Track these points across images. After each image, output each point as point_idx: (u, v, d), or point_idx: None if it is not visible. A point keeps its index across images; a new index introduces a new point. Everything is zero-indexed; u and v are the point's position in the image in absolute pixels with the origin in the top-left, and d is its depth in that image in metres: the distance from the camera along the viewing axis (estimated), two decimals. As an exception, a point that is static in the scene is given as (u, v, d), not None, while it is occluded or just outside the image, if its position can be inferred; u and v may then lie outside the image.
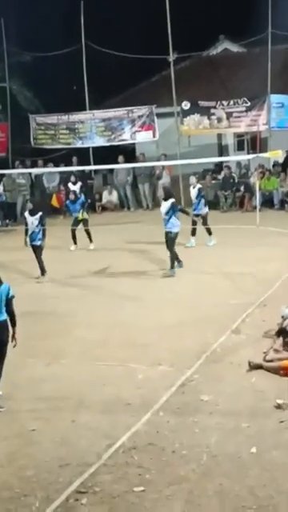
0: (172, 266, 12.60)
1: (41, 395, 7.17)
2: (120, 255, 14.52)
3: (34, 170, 22.28)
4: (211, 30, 26.15)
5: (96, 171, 23.64)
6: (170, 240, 12.74)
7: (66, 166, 21.82)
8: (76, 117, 23.29)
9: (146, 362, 7.90)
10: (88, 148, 23.23)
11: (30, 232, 12.65)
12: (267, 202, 20.35)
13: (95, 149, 23.24)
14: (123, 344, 8.64)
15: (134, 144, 23.80)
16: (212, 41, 26.70)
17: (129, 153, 23.87)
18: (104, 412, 6.63)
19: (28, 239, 12.70)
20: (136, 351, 8.31)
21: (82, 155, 23.01)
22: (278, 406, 6.46)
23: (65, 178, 20.64)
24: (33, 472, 5.58)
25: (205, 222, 15.12)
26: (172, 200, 13.00)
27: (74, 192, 15.65)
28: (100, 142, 23.07)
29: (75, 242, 15.38)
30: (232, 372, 7.50)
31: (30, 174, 22.31)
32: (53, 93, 23.90)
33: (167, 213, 12.82)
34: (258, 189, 18.54)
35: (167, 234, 12.84)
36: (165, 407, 6.64)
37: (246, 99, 21.15)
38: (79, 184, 16.78)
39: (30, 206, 13.27)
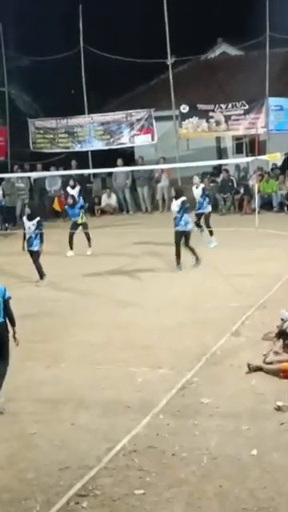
0: (178, 262, 13.07)
1: (41, 398, 7.17)
2: (119, 258, 14.53)
3: (33, 174, 22.32)
4: (209, 33, 26.24)
5: (95, 175, 23.67)
6: (186, 237, 13.14)
7: (64, 169, 21.85)
8: (75, 121, 23.35)
9: (145, 365, 7.89)
10: (87, 152, 23.28)
11: (27, 237, 12.63)
12: (266, 205, 20.41)
13: (94, 152, 23.31)
14: (123, 347, 8.64)
15: (132, 147, 23.87)
16: (210, 44, 26.78)
17: (128, 156, 23.94)
18: (104, 415, 6.63)
19: (26, 244, 12.67)
20: (136, 354, 8.31)
21: (81, 159, 23.07)
22: (278, 408, 6.46)
23: (65, 182, 20.68)
24: (33, 475, 5.58)
25: (207, 222, 15.19)
26: (183, 198, 13.28)
27: (72, 196, 15.59)
28: (99, 145, 23.13)
29: (71, 248, 15.21)
30: (232, 374, 7.50)
31: (28, 177, 22.33)
32: (52, 97, 23.96)
33: (179, 211, 13.10)
34: (256, 191, 18.59)
35: (178, 233, 13.12)
36: (165, 410, 6.64)
37: (244, 102, 21.22)
38: (78, 188, 16.81)
39: (27, 210, 13.26)
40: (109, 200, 22.58)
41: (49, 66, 23.26)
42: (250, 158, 20.17)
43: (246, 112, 21.24)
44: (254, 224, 16.58)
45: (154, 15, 21.91)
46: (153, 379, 7.49)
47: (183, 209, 13.11)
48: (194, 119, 21.86)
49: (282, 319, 8.25)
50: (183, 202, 13.16)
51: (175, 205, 13.27)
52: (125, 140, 22.83)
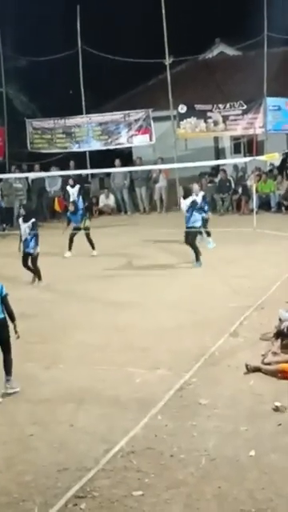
0: (197, 259, 13.18)
1: (39, 399, 7.16)
2: (117, 259, 14.53)
3: (31, 175, 22.29)
4: (207, 33, 26.27)
5: (93, 175, 23.66)
6: (192, 234, 13.34)
7: (61, 169, 21.83)
8: (73, 121, 23.34)
9: (144, 366, 7.88)
10: (85, 152, 23.26)
11: (23, 239, 12.59)
12: (264, 205, 20.41)
13: (92, 153, 23.31)
14: (121, 348, 8.64)
15: (130, 148, 23.86)
16: (208, 44, 26.79)
17: (125, 156, 23.94)
18: (102, 416, 6.62)
19: (22, 246, 12.62)
20: (134, 355, 8.31)
21: (79, 159, 23.05)
22: (277, 409, 6.46)
23: (65, 182, 20.67)
24: (31, 477, 5.57)
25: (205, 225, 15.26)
26: (192, 198, 13.55)
27: (74, 203, 15.44)
28: (97, 145, 23.13)
29: (70, 249, 15.16)
30: (230, 375, 7.50)
31: (26, 178, 22.31)
32: (49, 97, 23.94)
33: (188, 210, 13.35)
34: (254, 191, 18.60)
35: (188, 231, 13.36)
36: (163, 411, 6.63)
37: (242, 102, 21.24)
38: (77, 187, 16.75)
39: (22, 212, 13.24)
40: (107, 200, 22.58)
41: (46, 67, 23.26)
42: (248, 158, 20.19)
43: (244, 112, 21.25)
44: (252, 224, 16.61)
45: (152, 15, 21.92)
46: (151, 380, 7.48)
47: (192, 208, 13.35)
48: (192, 119, 21.87)
49: (280, 319, 8.26)
50: (193, 202, 13.43)
51: (184, 204, 13.52)
52: (123, 140, 22.82)
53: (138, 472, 5.53)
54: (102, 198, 22.66)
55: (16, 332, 7.41)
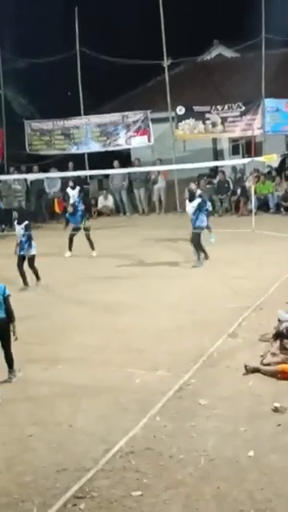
0: (206, 257, 13.48)
1: (38, 400, 7.16)
2: (116, 260, 14.51)
3: (30, 176, 22.28)
4: (205, 35, 26.27)
5: (91, 176, 23.65)
6: (198, 236, 13.53)
7: (59, 171, 21.83)
8: (71, 122, 23.34)
9: (143, 367, 7.89)
10: (83, 153, 23.26)
11: (18, 241, 12.56)
12: (262, 206, 20.42)
13: (90, 154, 23.29)
14: (120, 349, 8.64)
15: (129, 149, 23.84)
16: (206, 46, 26.80)
17: (124, 158, 23.94)
18: (101, 417, 6.62)
19: (18, 248, 12.57)
20: (133, 356, 8.31)
21: (78, 160, 23.04)
22: (276, 410, 6.46)
23: (64, 184, 20.68)
24: (30, 478, 5.57)
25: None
26: (198, 200, 13.69)
27: (73, 204, 15.46)
28: (95, 147, 23.13)
29: (70, 249, 15.20)
30: (229, 376, 7.50)
31: (25, 179, 22.30)
32: (48, 99, 23.94)
33: (194, 213, 13.54)
34: (253, 193, 18.60)
35: (195, 232, 13.56)
36: (162, 412, 6.64)
37: (240, 104, 21.25)
38: (78, 188, 16.78)
39: (15, 214, 13.24)
40: (105, 201, 22.58)
41: (45, 68, 23.24)
42: (246, 160, 20.19)
43: (243, 113, 21.26)
44: (250, 225, 16.62)
45: (151, 17, 21.94)
46: (150, 381, 7.49)
47: (199, 210, 13.54)
48: (191, 121, 21.88)
49: (279, 320, 8.26)
50: (199, 204, 13.60)
51: (190, 206, 13.66)
52: (121, 141, 22.83)
53: (137, 472, 5.53)
54: (100, 199, 22.66)
55: (14, 334, 7.57)
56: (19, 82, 24.47)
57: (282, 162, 21.83)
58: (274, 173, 21.36)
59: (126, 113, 22.56)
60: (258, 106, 21.09)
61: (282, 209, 20.19)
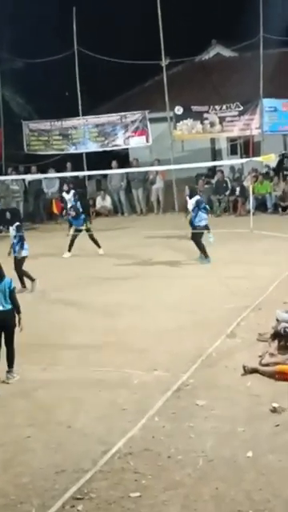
0: (206, 256, 13.47)
1: (36, 401, 7.16)
2: (115, 260, 14.51)
3: (28, 176, 22.27)
4: (203, 35, 26.25)
5: (90, 176, 23.65)
6: (198, 234, 13.62)
7: (57, 171, 21.82)
8: (69, 122, 23.34)
9: (141, 367, 7.88)
10: (81, 154, 23.25)
11: (11, 242, 12.45)
12: (260, 206, 20.42)
13: (89, 154, 23.27)
14: (119, 349, 8.63)
15: (127, 149, 23.84)
16: (204, 46, 26.79)
17: (122, 158, 23.92)
18: (99, 418, 6.62)
19: (12, 250, 12.47)
20: (131, 356, 8.31)
21: (76, 161, 23.03)
22: (274, 410, 6.46)
23: (62, 184, 20.69)
24: (28, 479, 5.56)
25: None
26: (197, 197, 13.79)
27: (75, 208, 15.44)
28: (93, 147, 23.13)
29: (70, 250, 15.18)
30: (227, 376, 7.50)
31: (23, 180, 22.30)
32: (46, 99, 23.90)
33: (193, 209, 13.64)
34: (251, 193, 18.61)
35: (194, 230, 13.69)
36: (160, 412, 6.63)
37: (238, 103, 21.26)
38: (72, 192, 16.83)
39: (8, 215, 13.19)
40: (103, 202, 22.57)
41: (43, 68, 23.23)
42: (244, 160, 20.20)
43: (241, 113, 21.28)
44: (248, 225, 16.62)
45: (149, 17, 21.91)
46: (148, 381, 7.49)
47: (198, 207, 13.60)
48: (189, 121, 21.88)
49: (278, 320, 8.25)
50: (197, 201, 13.65)
51: (190, 203, 13.76)
52: (119, 142, 22.83)
53: (136, 473, 5.53)
54: (98, 199, 22.65)
55: (20, 324, 7.86)
56: (17, 82, 24.44)
57: (280, 162, 21.83)
58: (271, 173, 21.34)
59: (124, 113, 22.57)
60: (256, 105, 21.10)
61: (279, 209, 20.20)
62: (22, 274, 12.14)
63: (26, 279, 12.24)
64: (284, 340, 7.91)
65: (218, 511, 4.96)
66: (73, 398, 7.15)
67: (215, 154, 24.32)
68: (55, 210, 21.51)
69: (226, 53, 26.76)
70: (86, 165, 23.20)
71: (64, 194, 16.94)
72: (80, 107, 23.12)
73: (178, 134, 22.19)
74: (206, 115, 21.65)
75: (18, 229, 12.36)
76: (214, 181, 21.79)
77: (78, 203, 15.70)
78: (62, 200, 17.71)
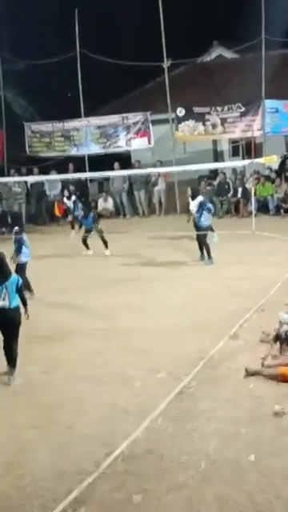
0: (209, 257, 13.54)
1: (38, 403, 7.15)
2: (117, 262, 14.50)
3: (30, 178, 22.27)
4: (205, 36, 26.27)
5: (92, 179, 23.64)
6: (202, 234, 13.71)
7: (60, 173, 21.82)
8: (71, 124, 23.35)
9: (144, 369, 7.87)
10: (83, 155, 23.25)
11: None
12: (262, 208, 20.40)
13: (91, 156, 23.27)
14: (121, 351, 8.62)
15: (129, 151, 23.83)
16: (206, 47, 26.80)
17: (124, 160, 23.91)
18: (102, 420, 6.61)
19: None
20: (134, 358, 8.29)
21: (78, 163, 23.03)
22: (277, 412, 6.45)
23: (63, 186, 20.72)
24: (30, 481, 5.55)
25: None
26: (200, 199, 13.86)
27: (84, 210, 15.63)
28: (95, 149, 23.12)
29: (88, 248, 15.48)
30: (230, 378, 7.49)
31: (25, 182, 22.30)
32: (47, 100, 23.94)
33: (197, 211, 13.74)
34: (253, 194, 18.59)
35: (200, 230, 13.77)
36: (163, 414, 6.62)
37: (240, 105, 21.24)
38: (73, 198, 16.85)
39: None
40: (105, 204, 22.54)
41: (44, 70, 23.26)
42: (246, 161, 20.17)
43: (242, 114, 21.26)
44: (250, 227, 16.61)
45: (150, 18, 21.93)
46: (151, 383, 7.47)
47: (201, 208, 13.68)
48: (191, 122, 21.86)
49: (281, 322, 8.24)
50: (201, 202, 13.74)
51: (193, 205, 13.85)
52: (121, 143, 22.82)
53: (139, 476, 5.52)
54: (100, 201, 22.62)
55: (26, 311, 8.13)
56: (19, 84, 24.49)
57: (282, 164, 21.81)
58: (273, 175, 21.32)
59: (126, 114, 22.57)
60: (257, 106, 21.08)
61: (281, 211, 20.17)
62: (24, 280, 11.93)
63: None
64: (286, 342, 7.90)
65: (221, 513, 4.95)
66: (75, 399, 7.14)
67: (217, 156, 24.30)
68: (57, 213, 21.52)
69: (228, 54, 26.77)
70: (88, 166, 23.20)
71: (65, 200, 16.98)
72: (82, 109, 23.13)
73: (179, 135, 22.18)
74: (207, 117, 21.63)
75: (17, 233, 11.96)
76: (215, 182, 21.77)
77: (79, 208, 15.79)
78: (65, 206, 17.78)
